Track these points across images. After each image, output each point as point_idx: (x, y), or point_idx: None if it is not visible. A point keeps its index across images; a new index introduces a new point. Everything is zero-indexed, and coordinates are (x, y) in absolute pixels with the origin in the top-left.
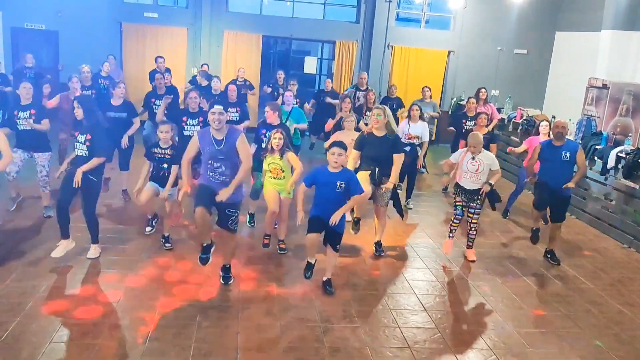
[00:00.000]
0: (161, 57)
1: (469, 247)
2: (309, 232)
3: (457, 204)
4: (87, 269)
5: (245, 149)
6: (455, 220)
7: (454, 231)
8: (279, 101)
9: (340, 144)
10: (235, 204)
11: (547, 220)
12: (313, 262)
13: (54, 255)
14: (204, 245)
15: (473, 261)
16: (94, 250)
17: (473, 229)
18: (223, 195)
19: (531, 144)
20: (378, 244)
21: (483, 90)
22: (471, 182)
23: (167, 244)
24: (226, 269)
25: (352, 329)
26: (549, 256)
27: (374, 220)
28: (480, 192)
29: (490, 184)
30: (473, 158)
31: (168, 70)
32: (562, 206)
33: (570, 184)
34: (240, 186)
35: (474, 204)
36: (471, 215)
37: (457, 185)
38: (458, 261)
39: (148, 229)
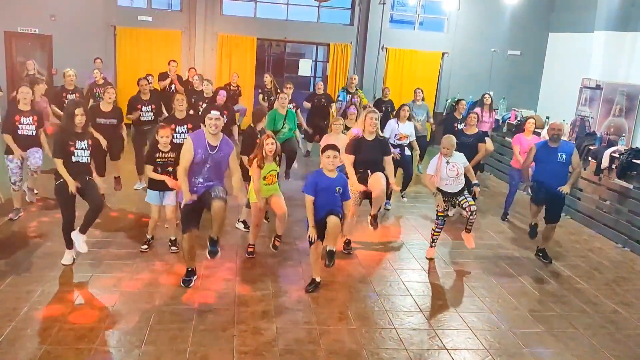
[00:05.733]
0: (174, 61)
1: (468, 231)
2: (311, 245)
3: (439, 214)
4: (82, 274)
5: (236, 162)
6: (437, 230)
7: (435, 240)
8: (276, 104)
9: (334, 147)
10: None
11: (534, 233)
12: (318, 280)
13: (64, 262)
14: (189, 269)
15: (472, 247)
16: (83, 243)
17: (472, 213)
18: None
19: (521, 143)
20: (374, 218)
21: (487, 95)
22: (454, 186)
23: (172, 247)
24: (214, 242)
25: (348, 330)
26: (540, 255)
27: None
28: (474, 195)
29: (478, 185)
30: (448, 162)
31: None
32: (558, 207)
33: (566, 188)
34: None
35: (463, 195)
36: (465, 201)
37: (439, 190)
38: (453, 262)
39: (144, 247)
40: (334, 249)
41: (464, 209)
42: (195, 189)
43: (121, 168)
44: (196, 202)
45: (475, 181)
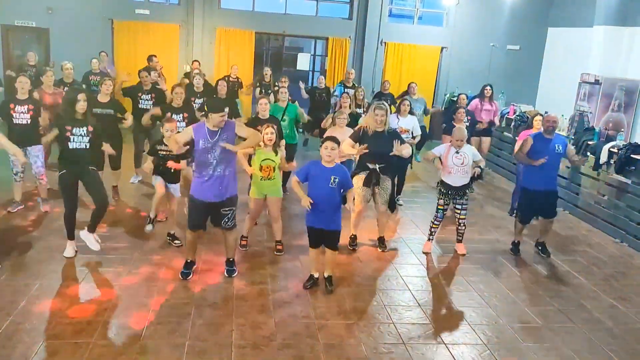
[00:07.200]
0: (154, 55)
1: (459, 241)
2: (310, 247)
3: (439, 207)
4: (80, 268)
5: (246, 129)
6: (435, 222)
7: (433, 234)
8: (271, 98)
9: (333, 139)
10: (232, 199)
11: (517, 250)
12: (316, 276)
13: (67, 254)
14: (188, 261)
15: (463, 255)
16: (94, 241)
17: (462, 224)
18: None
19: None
20: (381, 240)
21: (488, 87)
22: (459, 177)
23: (176, 241)
24: (230, 263)
25: (346, 325)
26: (539, 248)
27: (377, 219)
28: (474, 174)
29: (481, 168)
30: (457, 152)
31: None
32: (552, 202)
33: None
34: (235, 181)
35: (462, 200)
36: (459, 211)
37: (443, 183)
38: (452, 257)
39: (149, 227)
40: (332, 275)
41: (456, 217)
42: (202, 185)
43: (120, 177)
44: (203, 208)
45: (482, 164)
